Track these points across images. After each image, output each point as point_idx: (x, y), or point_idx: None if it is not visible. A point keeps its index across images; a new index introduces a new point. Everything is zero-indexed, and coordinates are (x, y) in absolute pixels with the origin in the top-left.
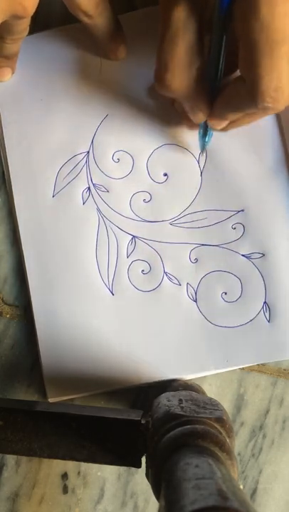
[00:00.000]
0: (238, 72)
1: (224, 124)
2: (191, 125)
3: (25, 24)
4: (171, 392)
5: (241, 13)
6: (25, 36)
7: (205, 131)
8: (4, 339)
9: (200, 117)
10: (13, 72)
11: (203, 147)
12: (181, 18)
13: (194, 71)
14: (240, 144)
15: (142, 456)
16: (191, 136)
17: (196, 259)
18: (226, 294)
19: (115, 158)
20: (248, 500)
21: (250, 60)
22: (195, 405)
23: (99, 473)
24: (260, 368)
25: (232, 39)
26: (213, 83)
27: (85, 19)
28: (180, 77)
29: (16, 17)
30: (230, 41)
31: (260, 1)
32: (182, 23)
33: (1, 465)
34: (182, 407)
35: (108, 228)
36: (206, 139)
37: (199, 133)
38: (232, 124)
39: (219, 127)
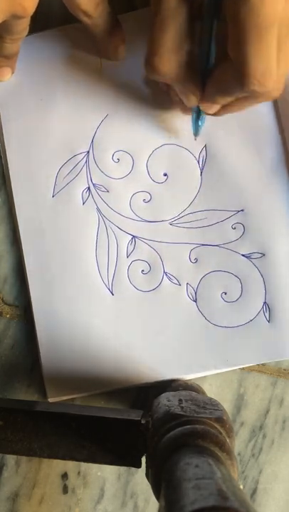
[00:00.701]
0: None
1: (216, 108)
2: (184, 109)
3: (25, 24)
4: (171, 392)
5: None
6: (25, 36)
7: (198, 115)
8: (4, 339)
9: (192, 100)
10: (13, 72)
11: (196, 131)
12: (171, 4)
13: (184, 55)
14: (240, 143)
15: (142, 456)
16: (191, 136)
17: (196, 259)
18: (225, 294)
19: (115, 158)
20: (248, 500)
21: (238, 43)
22: (195, 405)
23: (99, 473)
24: (260, 368)
25: (224, 25)
26: (204, 67)
27: (85, 19)
28: (169, 61)
29: (16, 17)
30: (222, 27)
31: None
32: (172, 9)
33: (1, 465)
34: (182, 407)
35: (108, 228)
36: (200, 122)
37: (192, 117)
38: (225, 109)
39: (211, 111)
